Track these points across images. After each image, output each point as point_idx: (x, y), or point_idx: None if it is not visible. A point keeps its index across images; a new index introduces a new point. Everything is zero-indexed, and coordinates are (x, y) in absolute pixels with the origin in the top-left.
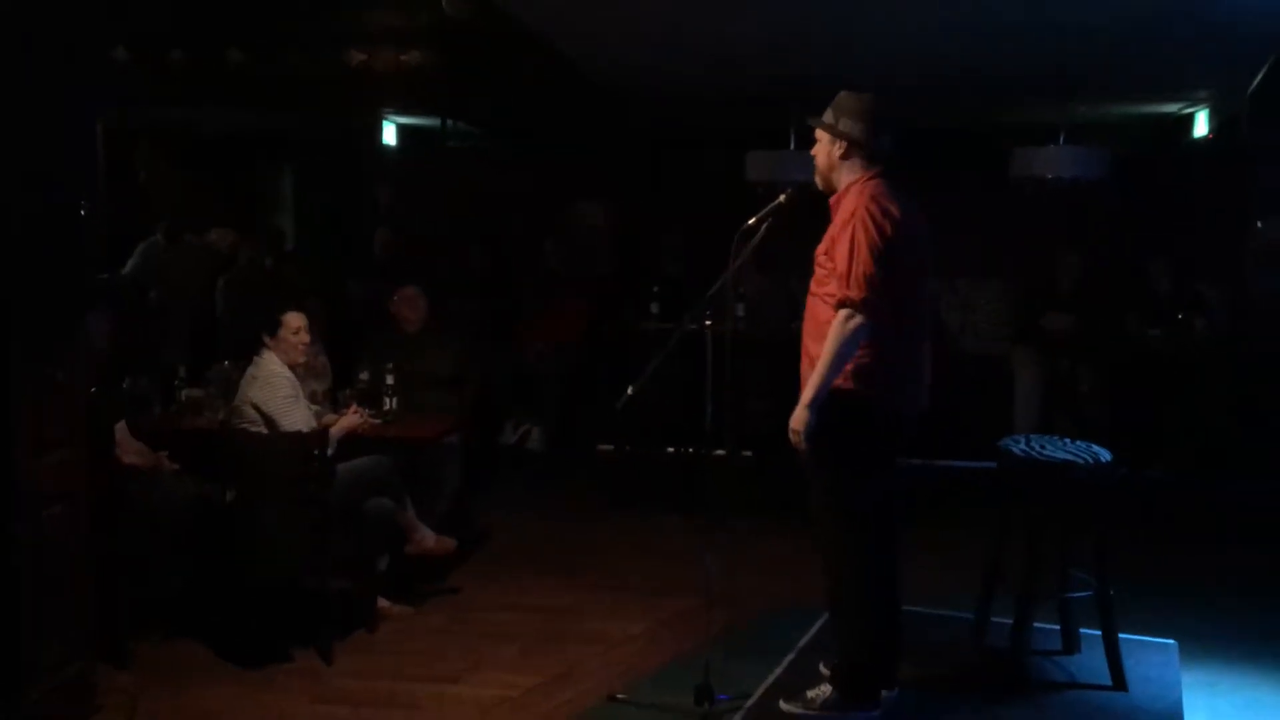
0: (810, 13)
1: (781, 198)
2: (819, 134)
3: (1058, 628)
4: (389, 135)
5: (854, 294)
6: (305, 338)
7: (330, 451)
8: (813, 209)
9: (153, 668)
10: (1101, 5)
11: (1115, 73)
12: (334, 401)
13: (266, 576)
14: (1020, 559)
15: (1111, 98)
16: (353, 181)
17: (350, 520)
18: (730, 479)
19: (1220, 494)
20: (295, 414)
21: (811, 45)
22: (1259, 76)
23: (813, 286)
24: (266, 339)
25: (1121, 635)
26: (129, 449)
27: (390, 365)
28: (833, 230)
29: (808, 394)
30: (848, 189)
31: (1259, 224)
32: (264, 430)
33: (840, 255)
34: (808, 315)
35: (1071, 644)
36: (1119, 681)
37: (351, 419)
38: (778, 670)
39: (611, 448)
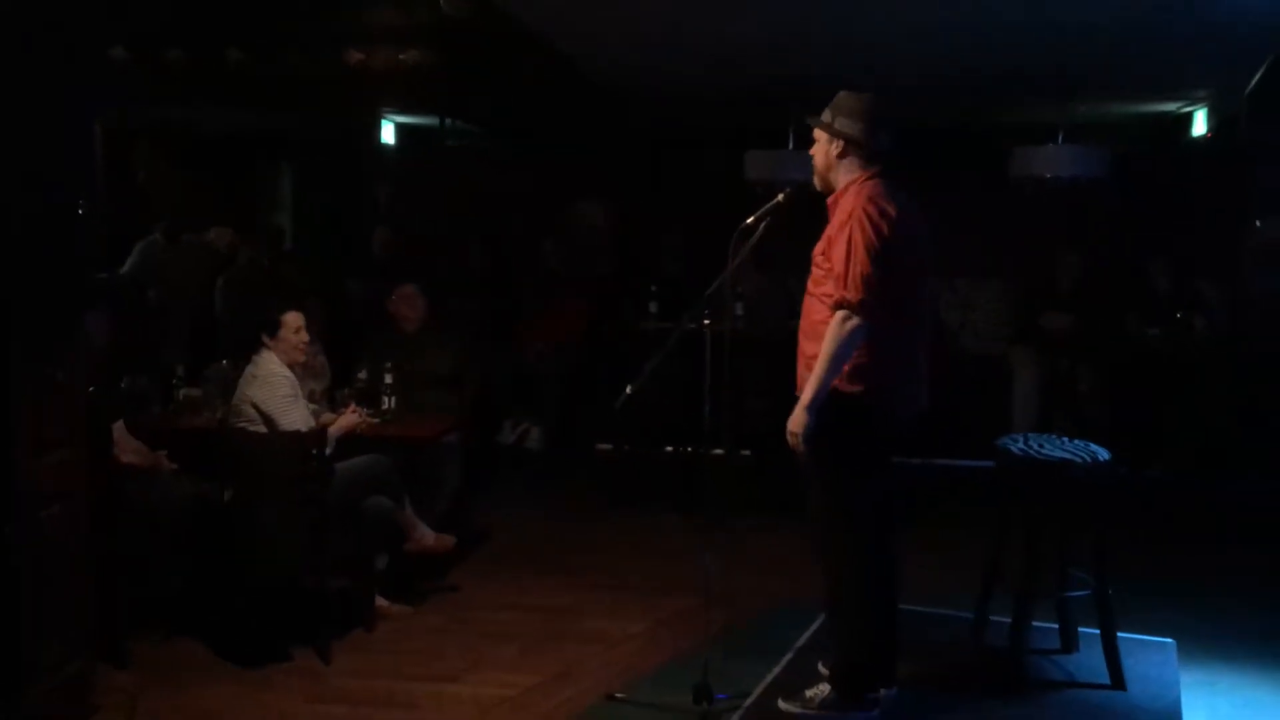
0: (810, 13)
1: (780, 197)
2: (817, 134)
3: (1056, 626)
4: (388, 135)
5: (851, 295)
6: (305, 337)
7: (328, 451)
8: (811, 208)
9: (152, 667)
10: (1101, 4)
11: (1115, 72)
12: (332, 401)
13: (265, 576)
14: (1019, 558)
15: (1111, 97)
16: (352, 181)
17: (348, 519)
18: (729, 478)
19: (1219, 493)
20: (294, 413)
21: (811, 45)
22: (1257, 76)
23: (810, 286)
24: (266, 339)
25: (1120, 634)
26: (127, 448)
27: (389, 365)
28: (830, 230)
29: (806, 396)
30: (845, 189)
31: (1258, 223)
32: (262, 429)
33: (837, 256)
34: (804, 314)
35: (1070, 643)
36: (1117, 680)
37: (350, 418)
38: (776, 669)
39: (610, 447)
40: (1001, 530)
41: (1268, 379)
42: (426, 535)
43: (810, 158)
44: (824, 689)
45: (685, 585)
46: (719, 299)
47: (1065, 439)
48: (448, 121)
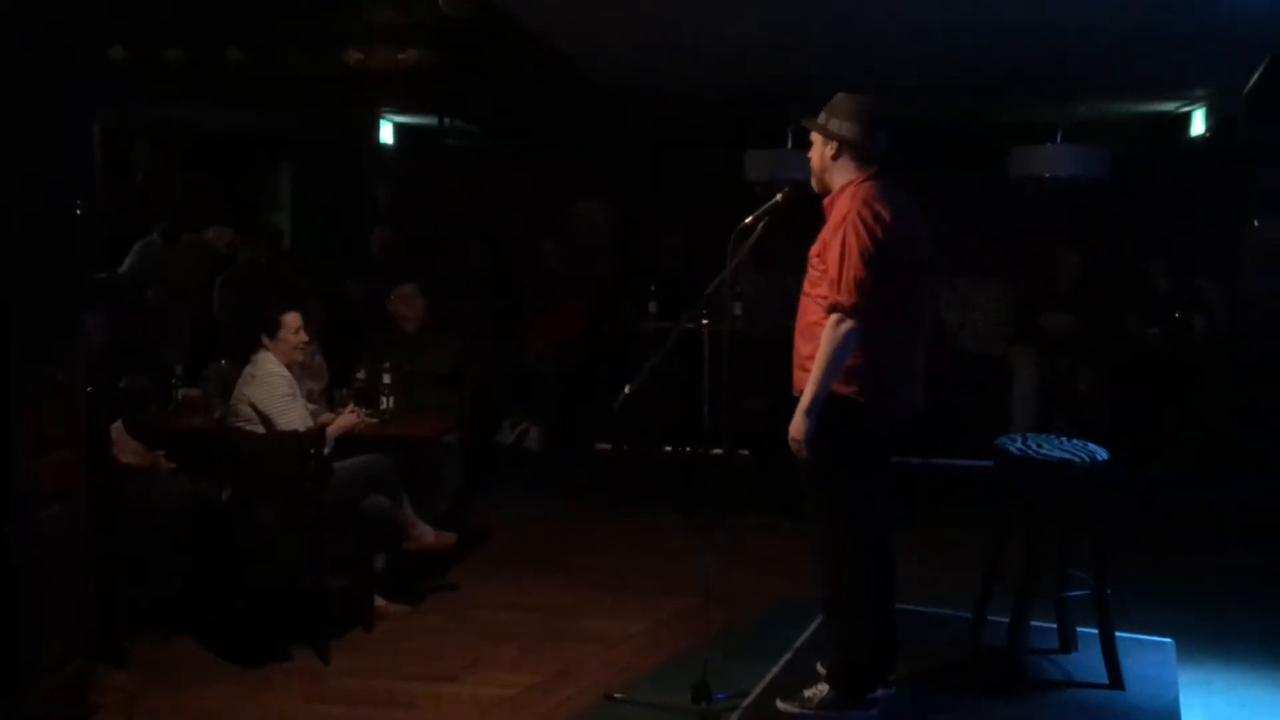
0: (810, 13)
1: (778, 196)
2: (813, 135)
3: (1055, 626)
4: (387, 135)
5: (844, 299)
6: (303, 337)
7: (327, 450)
8: (810, 208)
9: (151, 667)
10: (1101, 4)
11: (1114, 72)
12: (330, 400)
13: (264, 576)
14: (1018, 558)
15: (1110, 97)
16: (351, 181)
17: (347, 519)
18: (728, 478)
19: (1219, 493)
20: (292, 413)
21: (811, 45)
22: (1256, 75)
23: (805, 287)
24: (265, 339)
25: (1119, 634)
26: (126, 448)
27: (387, 364)
28: (825, 233)
29: (805, 400)
30: (841, 191)
31: (1256, 223)
32: (260, 429)
33: (832, 259)
34: (799, 315)
35: (1069, 642)
36: (1116, 680)
37: (348, 418)
38: (775, 669)
39: (610, 447)
40: (1000, 530)
41: (1268, 379)
42: (427, 533)
43: (809, 158)
44: (823, 689)
45: (685, 585)
46: (718, 299)
47: (1064, 439)
48: (447, 121)
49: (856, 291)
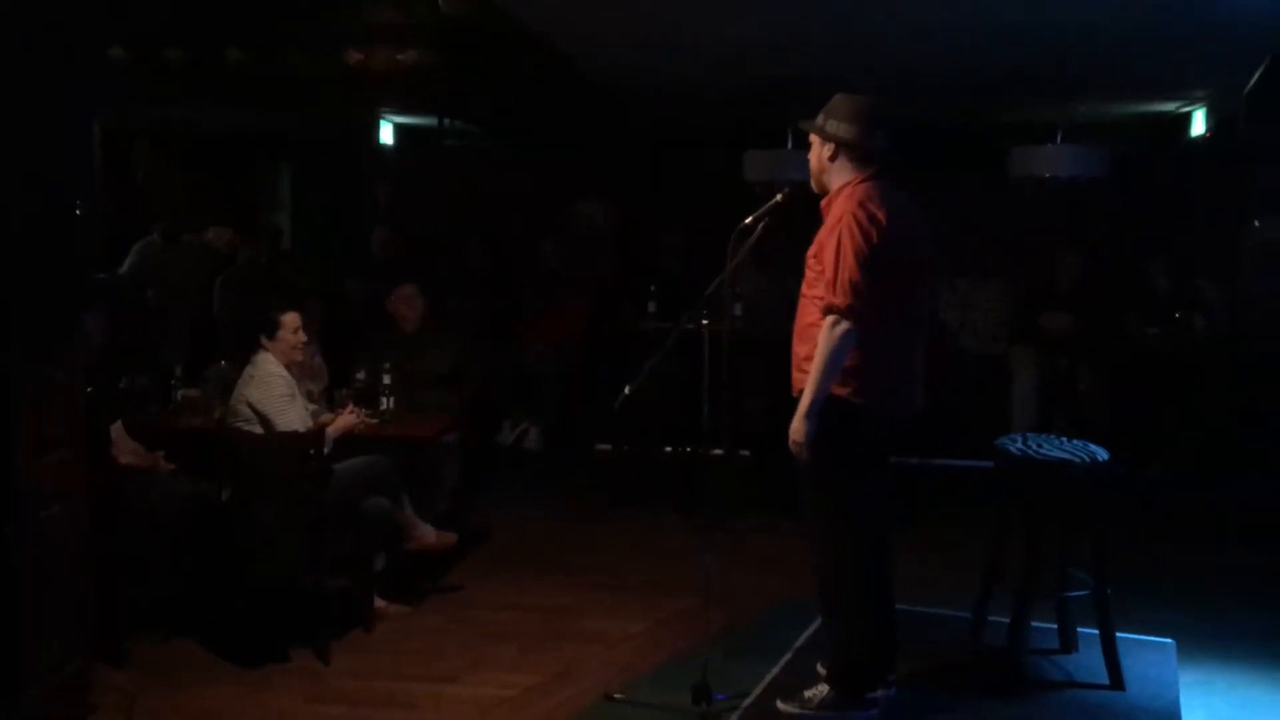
0: (810, 13)
1: (778, 197)
2: (811, 137)
3: (1055, 627)
4: (387, 135)
5: (839, 301)
6: (302, 338)
7: (326, 451)
8: (811, 208)
9: (151, 667)
10: (1101, 4)
11: (1114, 72)
12: (330, 401)
13: (264, 576)
14: (1018, 558)
15: (1111, 97)
16: (351, 181)
17: (347, 519)
18: (728, 478)
19: (1219, 493)
20: (290, 413)
21: (811, 45)
22: (1256, 75)
23: (803, 288)
24: (264, 339)
25: (1119, 634)
26: (125, 449)
27: (387, 365)
28: (821, 234)
29: (804, 403)
30: (838, 192)
31: (1256, 223)
32: (259, 430)
33: (827, 260)
34: (797, 316)
35: (1069, 643)
36: (1116, 681)
37: (348, 419)
38: (775, 670)
39: (610, 447)
40: (1000, 530)
41: (1268, 379)
42: (428, 533)
43: (808, 160)
44: (823, 689)
45: (685, 585)
46: (718, 299)
47: (1064, 439)
48: (447, 121)
49: (851, 293)
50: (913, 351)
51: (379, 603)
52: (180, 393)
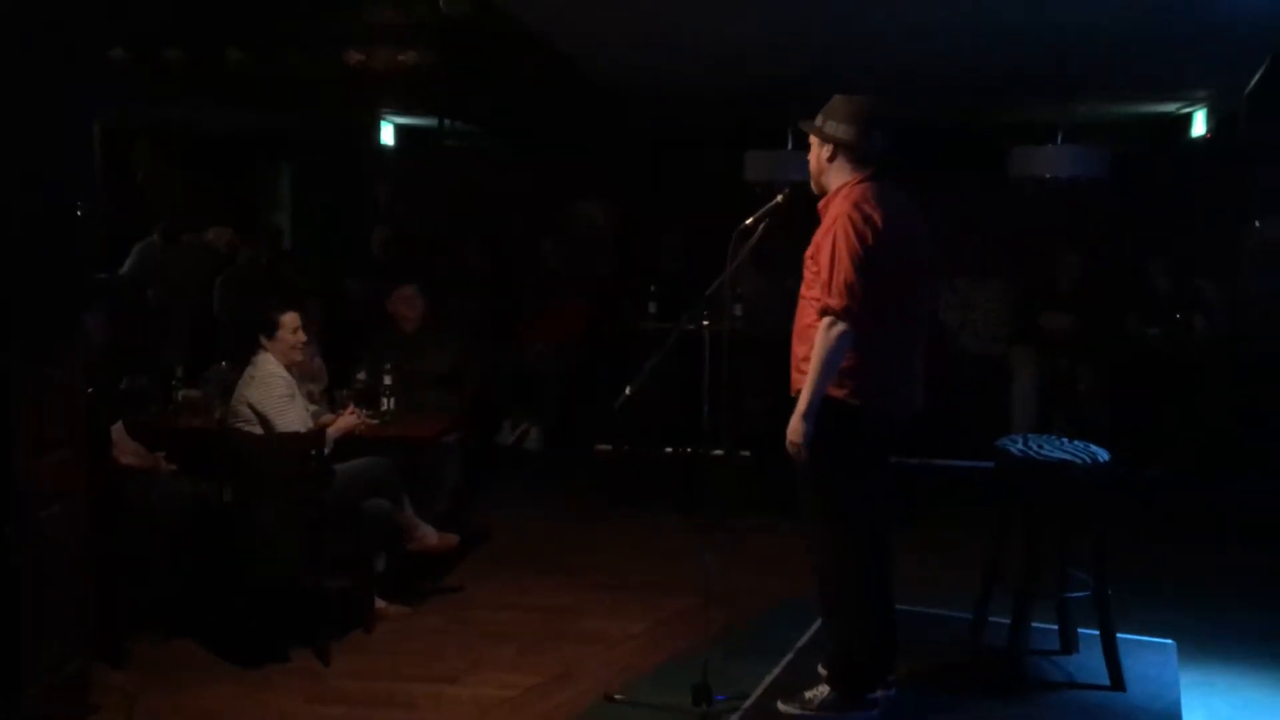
0: (810, 13)
1: (779, 197)
2: (811, 137)
3: (1056, 627)
4: (387, 135)
5: (834, 302)
6: (302, 337)
7: (327, 451)
8: (811, 209)
9: (151, 667)
10: (1101, 4)
11: (1114, 72)
12: (331, 401)
13: (264, 576)
14: (1018, 558)
15: (1111, 97)
16: (351, 181)
17: (347, 520)
18: (728, 478)
19: (1219, 493)
20: (291, 414)
21: (811, 45)
22: (1257, 76)
23: (802, 289)
24: (263, 339)
25: (1120, 635)
26: (126, 449)
27: (388, 366)
28: (818, 235)
29: (801, 404)
30: (836, 193)
31: (1257, 224)
32: (259, 430)
33: (823, 262)
34: (796, 317)
35: (1070, 644)
36: (1117, 681)
37: (348, 419)
38: (776, 670)
39: (610, 448)
40: (1000, 531)
41: (1268, 379)
42: (429, 535)
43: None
44: (823, 690)
45: (685, 585)
46: (718, 300)
47: (1065, 440)
48: (447, 122)
49: (847, 294)
50: (912, 352)
51: (379, 603)
52: (181, 393)
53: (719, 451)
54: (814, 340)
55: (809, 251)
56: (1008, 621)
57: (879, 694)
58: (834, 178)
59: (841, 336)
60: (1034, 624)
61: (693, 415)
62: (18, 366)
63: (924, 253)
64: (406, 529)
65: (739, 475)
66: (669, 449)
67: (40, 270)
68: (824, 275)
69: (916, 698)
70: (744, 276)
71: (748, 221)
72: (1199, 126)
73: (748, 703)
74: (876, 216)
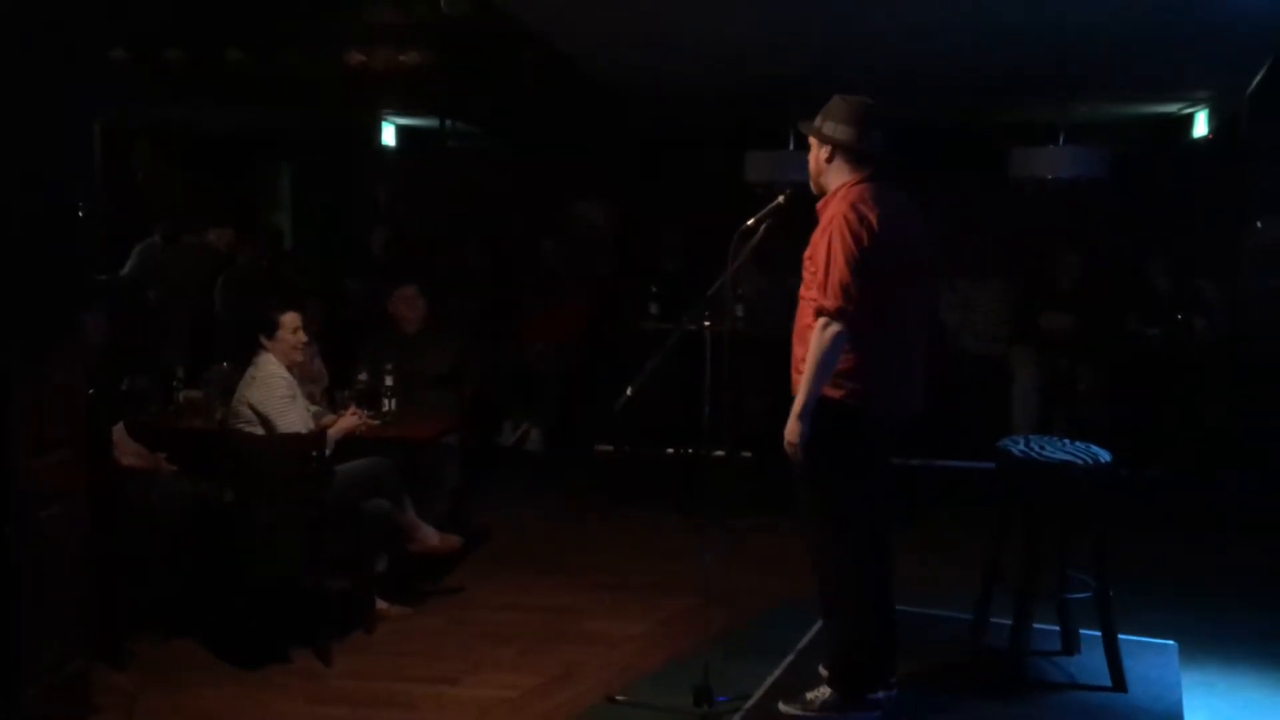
0: (810, 13)
1: (780, 198)
2: (810, 138)
3: (1057, 628)
4: (388, 136)
5: (829, 303)
6: (302, 337)
7: (328, 452)
8: (812, 209)
9: (152, 668)
10: (1101, 4)
11: (1115, 72)
12: (332, 402)
13: (264, 577)
14: (1019, 559)
15: (1111, 98)
16: (352, 181)
17: (348, 521)
18: (729, 478)
19: (1220, 493)
20: (292, 414)
21: (811, 45)
22: (1258, 77)
23: (801, 289)
24: (264, 340)
25: (1121, 636)
26: (127, 450)
27: (389, 366)
28: (815, 236)
29: (797, 405)
30: (834, 194)
31: (1259, 224)
32: (260, 431)
33: (819, 262)
34: (796, 317)
35: (1071, 645)
36: (1118, 682)
37: (350, 420)
38: (777, 671)
39: (611, 448)
40: (1002, 532)
41: (1268, 379)
42: (431, 536)
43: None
44: (824, 691)
45: (685, 585)
46: (719, 300)
47: (1066, 441)
48: (448, 123)
49: (841, 295)
50: (912, 353)
51: (380, 604)
52: (182, 394)
53: (720, 452)
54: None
55: (807, 253)
56: (1009, 622)
57: (880, 695)
58: (832, 178)
59: (836, 337)
60: (1035, 625)
61: (694, 416)
62: (18, 366)
63: (923, 253)
64: (407, 530)
65: (740, 475)
66: (670, 449)
67: (40, 270)
68: (819, 276)
69: (918, 698)
70: (745, 277)
71: (749, 222)
72: (1200, 127)
73: (749, 703)
74: (873, 217)
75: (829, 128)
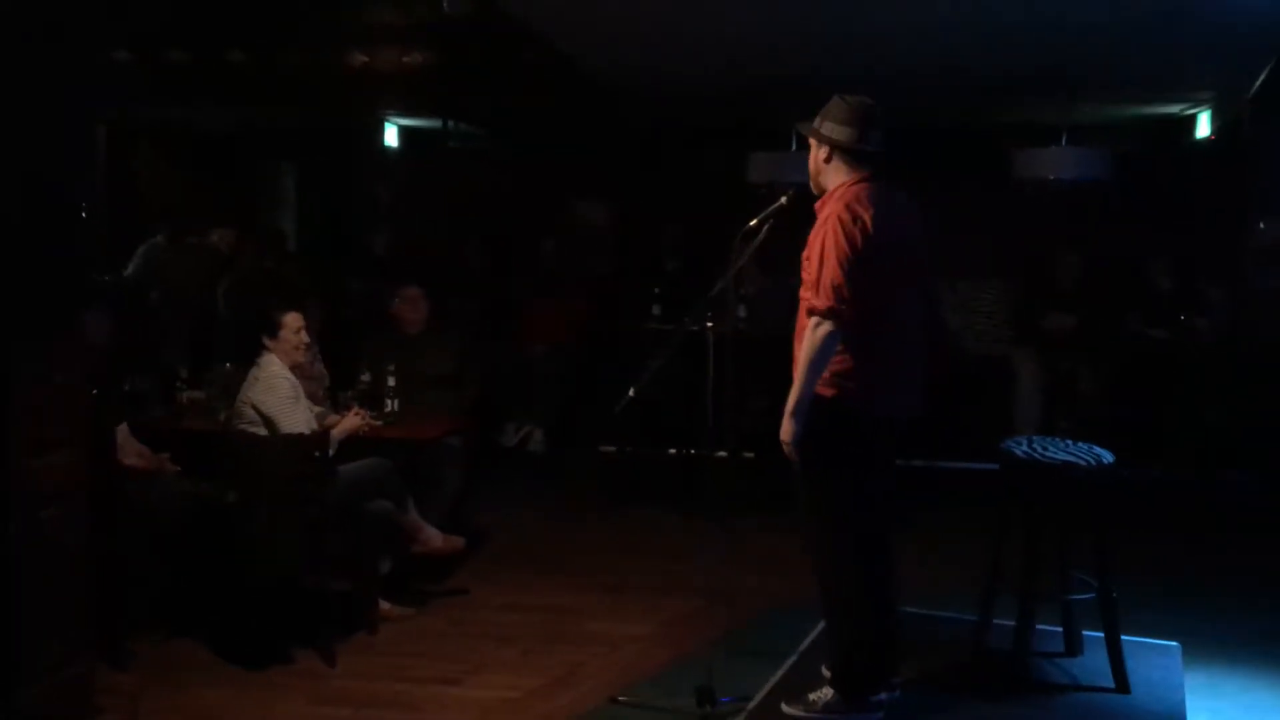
0: (810, 13)
1: (783, 199)
2: (810, 139)
3: (1060, 630)
4: (391, 137)
5: (820, 303)
6: (305, 337)
7: (331, 453)
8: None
9: (153, 668)
10: (1101, 4)
11: (1116, 73)
12: (335, 402)
13: (266, 577)
14: (1022, 561)
15: (1113, 98)
16: (354, 181)
17: (350, 522)
18: (730, 478)
19: (1220, 493)
20: (296, 415)
21: (811, 45)
22: (1261, 77)
23: (801, 290)
24: (266, 340)
25: (1124, 637)
26: (131, 451)
27: (391, 367)
28: (811, 235)
29: (789, 403)
30: (831, 194)
31: (1261, 225)
32: (263, 431)
33: (813, 262)
34: (798, 317)
35: (1074, 646)
36: (1121, 684)
37: (353, 420)
38: (780, 672)
39: (614, 449)
40: (1004, 532)
41: (1268, 379)
42: (434, 537)
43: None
44: (827, 692)
45: (687, 586)
46: (722, 300)
47: (1069, 442)
48: (451, 124)
49: (833, 295)
50: (910, 353)
51: (384, 605)
52: (185, 395)
53: (722, 452)
54: None
55: (805, 253)
56: (1012, 623)
57: (883, 695)
58: (831, 178)
59: (828, 337)
60: (1038, 626)
61: (696, 416)
62: (18, 366)
63: (921, 254)
64: (410, 531)
65: (741, 476)
66: (672, 450)
67: (41, 270)
68: (812, 275)
69: (920, 699)
70: (748, 277)
71: (752, 223)
72: (1203, 128)
73: (752, 704)
74: (867, 217)
75: (827, 128)
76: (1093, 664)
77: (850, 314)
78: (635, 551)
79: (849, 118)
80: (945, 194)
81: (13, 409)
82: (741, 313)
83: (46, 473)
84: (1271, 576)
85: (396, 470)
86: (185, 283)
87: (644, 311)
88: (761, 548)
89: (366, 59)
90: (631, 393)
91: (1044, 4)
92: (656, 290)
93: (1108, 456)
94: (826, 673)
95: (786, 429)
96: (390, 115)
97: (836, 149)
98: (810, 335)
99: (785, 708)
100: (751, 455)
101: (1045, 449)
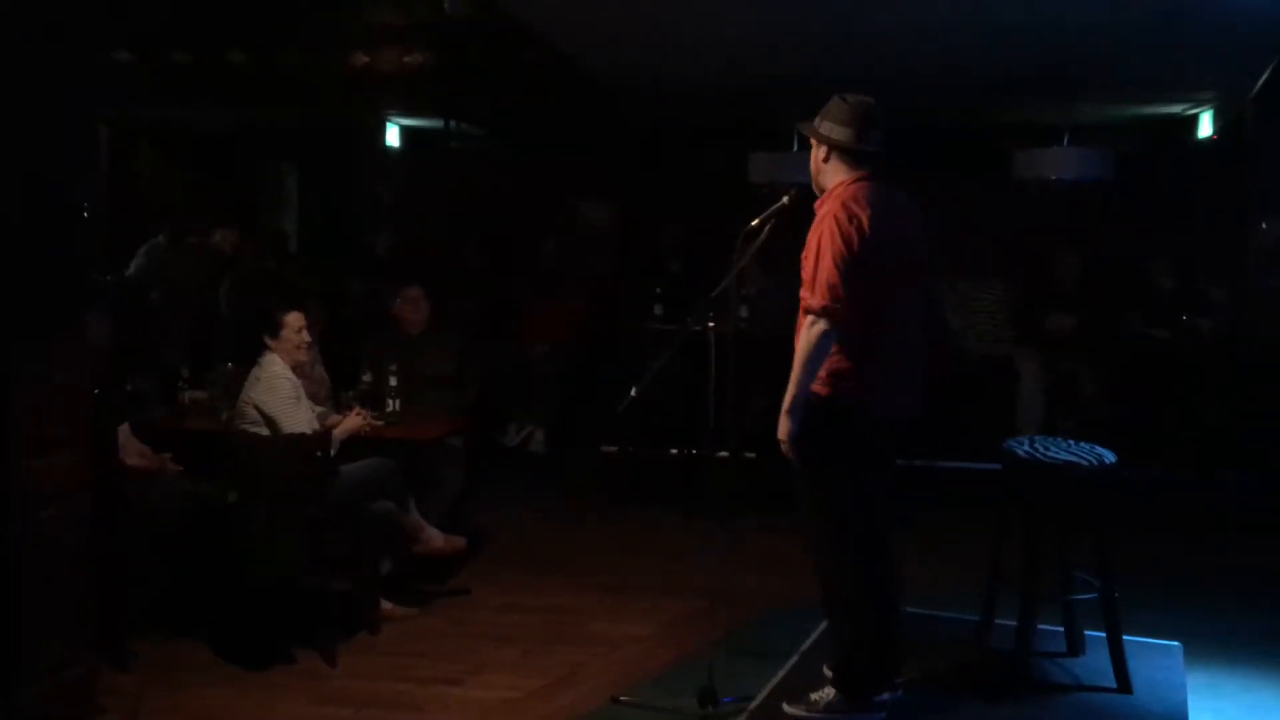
0: (810, 13)
1: (784, 199)
2: (811, 138)
3: (1062, 629)
4: (392, 137)
5: (815, 302)
6: (306, 337)
7: (333, 453)
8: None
9: (153, 668)
10: (1102, 4)
11: (1116, 72)
12: (336, 402)
13: (266, 577)
14: (1024, 560)
15: (1114, 98)
16: (355, 181)
17: (352, 522)
18: (731, 479)
19: (1220, 493)
20: (297, 415)
21: (811, 45)
22: (1263, 77)
23: (801, 290)
24: (268, 340)
25: (1126, 637)
26: (132, 451)
27: (393, 367)
28: (809, 235)
29: (785, 401)
30: (829, 193)
31: (1263, 225)
32: (265, 431)
33: (810, 261)
34: (799, 316)
35: (1076, 646)
36: (1123, 684)
37: (354, 420)
38: (781, 672)
39: (615, 449)
40: (1006, 532)
41: (1268, 379)
42: (435, 537)
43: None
44: (829, 692)
45: (688, 586)
46: (723, 301)
47: (1071, 442)
48: (452, 124)
49: (828, 294)
50: (909, 353)
51: (385, 605)
52: (186, 395)
53: (724, 453)
54: None
55: (804, 253)
56: (1013, 623)
57: (886, 695)
58: (830, 178)
59: (823, 335)
60: (1040, 626)
61: (697, 416)
62: (18, 366)
63: (921, 254)
64: (411, 531)
65: (742, 476)
66: (674, 450)
67: (41, 270)
68: (808, 274)
69: (922, 699)
70: (749, 277)
71: (754, 223)
72: (1205, 128)
73: (753, 704)
74: (863, 217)
75: (826, 128)
76: (1094, 664)
77: (846, 313)
78: (636, 552)
79: (848, 117)
80: (946, 194)
81: (13, 409)
82: (743, 313)
83: (47, 473)
84: (1272, 576)
85: (398, 470)
86: (186, 283)
87: (645, 312)
88: (762, 548)
89: (367, 59)
90: (633, 393)
91: (1044, 4)
92: (658, 290)
93: (1110, 457)
94: (828, 672)
95: (783, 427)
96: (391, 115)
97: (835, 149)
98: (805, 333)
99: (787, 708)
100: (752, 455)
101: (1047, 449)
